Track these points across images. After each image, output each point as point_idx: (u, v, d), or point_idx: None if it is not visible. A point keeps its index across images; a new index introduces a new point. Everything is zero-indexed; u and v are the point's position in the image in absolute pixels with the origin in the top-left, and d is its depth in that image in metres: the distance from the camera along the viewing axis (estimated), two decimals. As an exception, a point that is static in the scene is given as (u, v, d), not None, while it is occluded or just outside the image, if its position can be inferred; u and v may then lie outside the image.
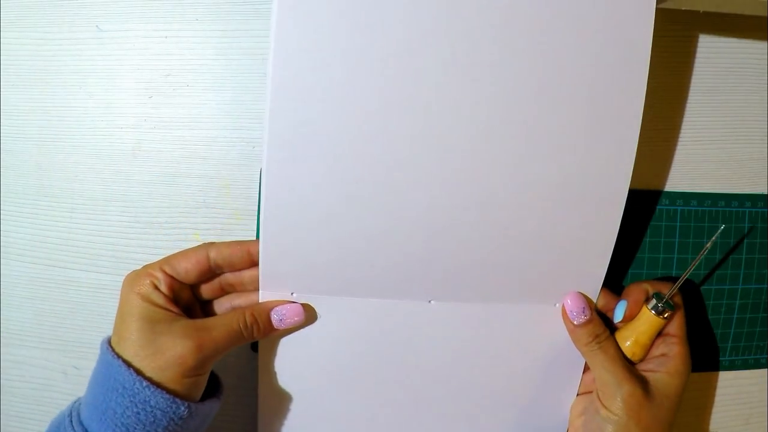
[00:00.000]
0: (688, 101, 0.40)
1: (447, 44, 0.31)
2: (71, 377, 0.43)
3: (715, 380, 0.43)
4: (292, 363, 0.38)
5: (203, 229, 0.41)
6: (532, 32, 0.31)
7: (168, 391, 0.31)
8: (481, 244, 0.35)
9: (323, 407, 0.39)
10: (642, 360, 0.36)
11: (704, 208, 0.41)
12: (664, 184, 0.41)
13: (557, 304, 0.37)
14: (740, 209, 0.41)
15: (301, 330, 0.37)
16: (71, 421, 0.31)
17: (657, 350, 0.36)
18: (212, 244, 0.35)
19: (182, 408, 0.31)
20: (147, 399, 0.30)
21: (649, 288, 0.36)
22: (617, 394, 0.34)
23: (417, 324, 0.37)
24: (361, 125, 0.32)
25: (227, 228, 0.41)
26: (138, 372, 0.31)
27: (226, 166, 0.41)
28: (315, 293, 0.36)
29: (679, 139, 0.41)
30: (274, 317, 0.35)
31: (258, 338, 0.35)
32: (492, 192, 0.33)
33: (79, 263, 0.42)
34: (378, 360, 0.38)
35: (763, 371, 0.43)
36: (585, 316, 0.35)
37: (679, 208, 0.41)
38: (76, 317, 0.42)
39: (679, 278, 0.36)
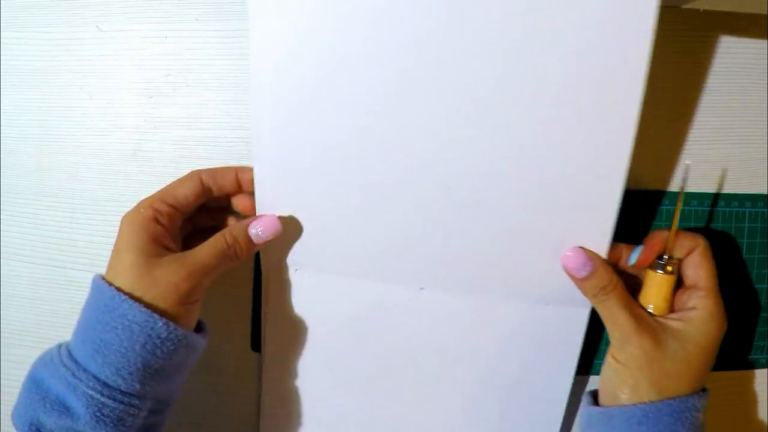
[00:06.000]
0: (688, 101, 0.40)
1: (437, 37, 0.31)
2: (71, 377, 0.43)
3: (715, 380, 0.43)
4: (292, 360, 0.38)
5: (203, 229, 0.41)
6: (528, 28, 0.30)
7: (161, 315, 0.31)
8: (474, 236, 0.35)
9: (322, 402, 0.40)
10: (666, 313, 0.35)
11: (704, 208, 0.41)
12: (664, 185, 0.41)
13: (549, 305, 0.37)
14: (740, 209, 0.41)
15: (297, 317, 0.38)
16: (59, 350, 0.33)
17: (688, 303, 0.35)
18: (201, 169, 0.37)
19: (160, 324, 0.31)
20: (125, 313, 0.31)
21: (670, 236, 0.35)
22: (624, 345, 0.34)
23: (407, 312, 0.38)
24: (356, 110, 0.33)
25: (227, 228, 0.41)
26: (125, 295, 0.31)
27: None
28: (311, 269, 0.38)
29: (680, 140, 0.41)
30: (252, 231, 0.35)
31: (242, 257, 0.35)
32: (485, 185, 0.33)
33: (79, 263, 0.42)
34: (370, 349, 0.39)
35: (763, 371, 0.43)
36: (586, 270, 0.35)
37: (679, 208, 0.41)
38: (76, 317, 0.42)
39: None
